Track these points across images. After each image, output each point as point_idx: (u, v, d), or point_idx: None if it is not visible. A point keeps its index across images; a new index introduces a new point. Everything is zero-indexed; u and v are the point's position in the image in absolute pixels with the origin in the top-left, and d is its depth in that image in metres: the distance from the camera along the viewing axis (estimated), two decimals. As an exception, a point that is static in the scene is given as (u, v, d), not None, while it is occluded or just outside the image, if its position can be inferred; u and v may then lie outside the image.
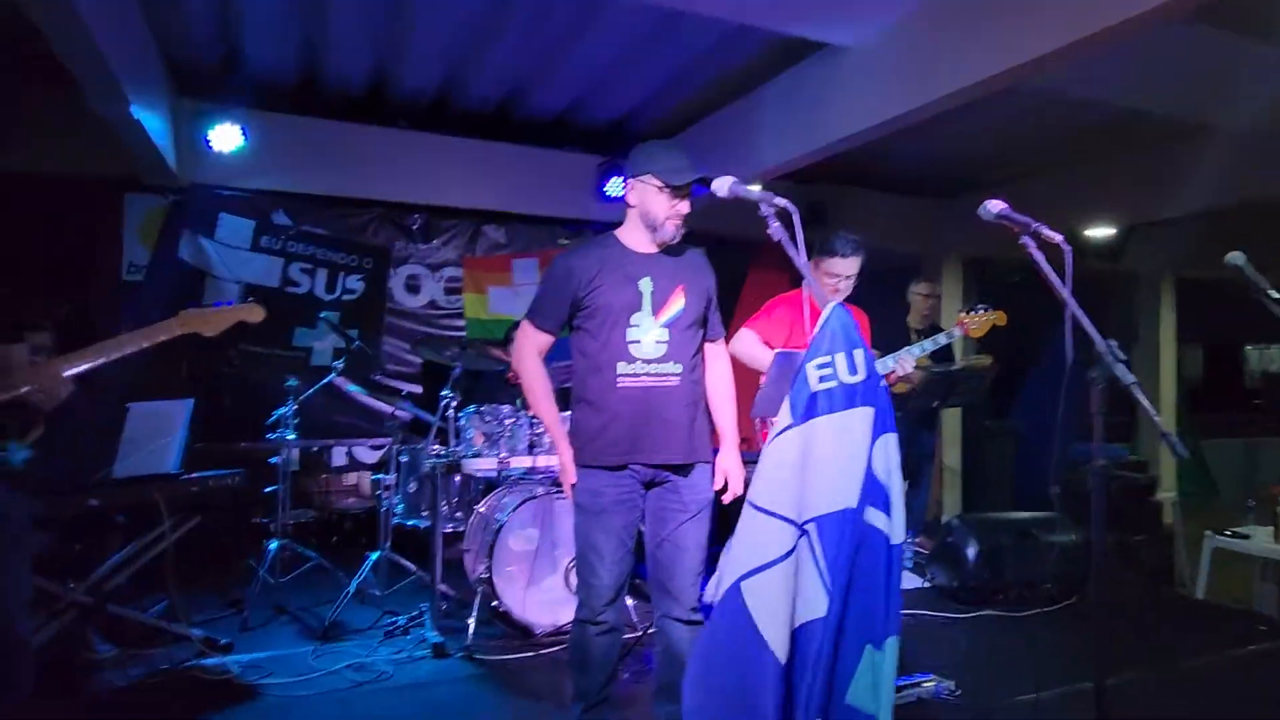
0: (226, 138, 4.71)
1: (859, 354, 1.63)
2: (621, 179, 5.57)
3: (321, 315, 4.63)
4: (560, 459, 2.28)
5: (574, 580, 3.51)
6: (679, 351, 2.23)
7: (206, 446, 3.73)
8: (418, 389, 5.30)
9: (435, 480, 3.70)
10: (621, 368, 2.18)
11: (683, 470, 2.26)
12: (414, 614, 3.63)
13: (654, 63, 4.69)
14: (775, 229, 1.85)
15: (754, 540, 1.60)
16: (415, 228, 5.58)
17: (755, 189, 1.90)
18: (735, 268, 6.67)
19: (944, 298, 6.93)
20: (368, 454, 5.32)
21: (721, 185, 1.97)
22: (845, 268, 3.13)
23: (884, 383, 1.67)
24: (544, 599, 3.48)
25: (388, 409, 4.43)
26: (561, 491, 3.58)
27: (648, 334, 2.19)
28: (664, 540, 2.25)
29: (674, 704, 2.28)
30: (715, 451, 2.37)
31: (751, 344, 3.22)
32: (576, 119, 5.62)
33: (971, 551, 3.88)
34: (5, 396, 1.85)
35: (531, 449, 3.79)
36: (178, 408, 3.08)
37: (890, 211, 6.80)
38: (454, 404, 3.64)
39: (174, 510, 3.00)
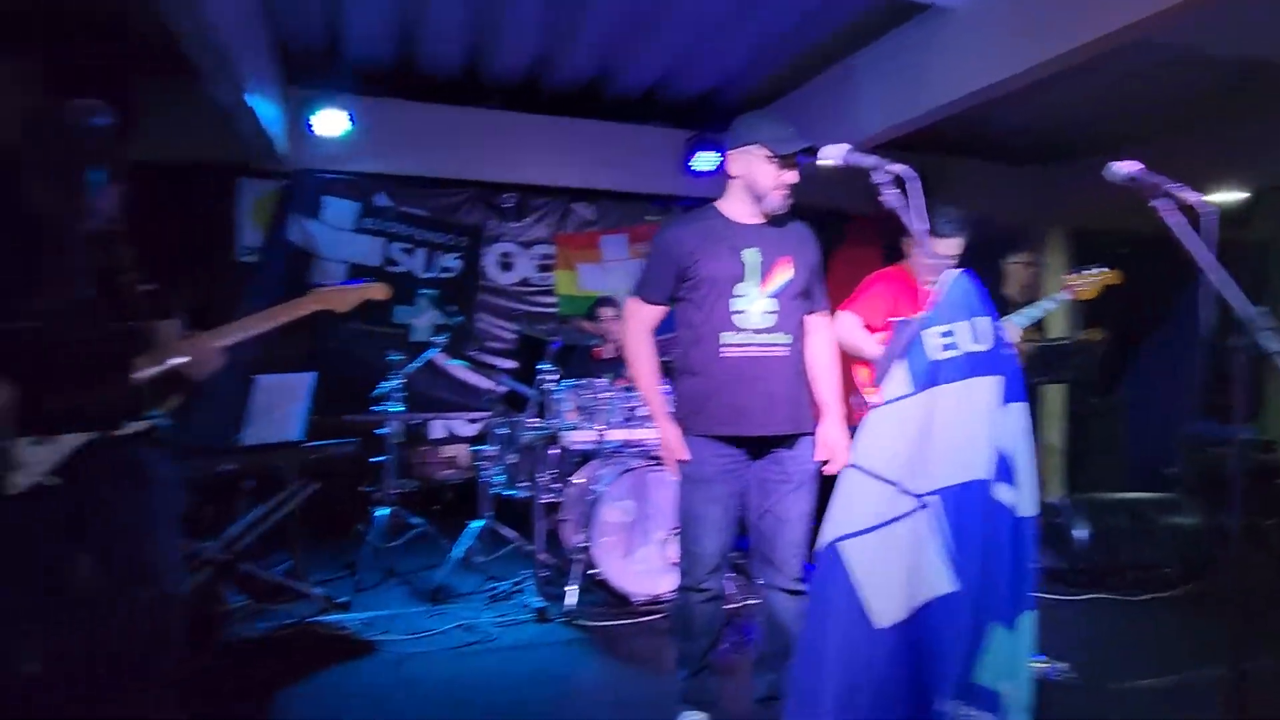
0: (330, 123, 4.91)
1: (983, 321, 1.59)
2: (713, 152, 5.60)
3: (422, 293, 4.80)
4: (663, 436, 2.28)
5: (670, 552, 3.58)
6: (787, 322, 2.22)
7: (316, 418, 3.95)
8: (511, 364, 5.44)
9: (536, 452, 3.81)
10: (726, 338, 2.19)
11: (787, 441, 2.25)
12: (516, 580, 3.76)
13: (744, 33, 4.62)
14: (890, 196, 1.81)
15: (858, 502, 1.58)
16: (507, 206, 5.69)
17: (869, 156, 1.86)
18: (823, 243, 6.52)
19: (1046, 270, 6.62)
20: (465, 427, 5.50)
21: (834, 153, 1.93)
22: (946, 248, 3.01)
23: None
24: (640, 569, 3.55)
25: (487, 384, 4.58)
26: (658, 464, 3.64)
27: (754, 304, 2.19)
28: (767, 511, 2.26)
29: (774, 673, 2.30)
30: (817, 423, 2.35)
31: (853, 328, 3.09)
32: (664, 94, 5.60)
33: (1082, 533, 3.73)
34: (163, 367, 2.00)
35: (626, 422, 3.84)
36: (300, 380, 3.27)
37: (990, 180, 6.52)
38: (553, 378, 3.72)
39: (298, 476, 3.20)
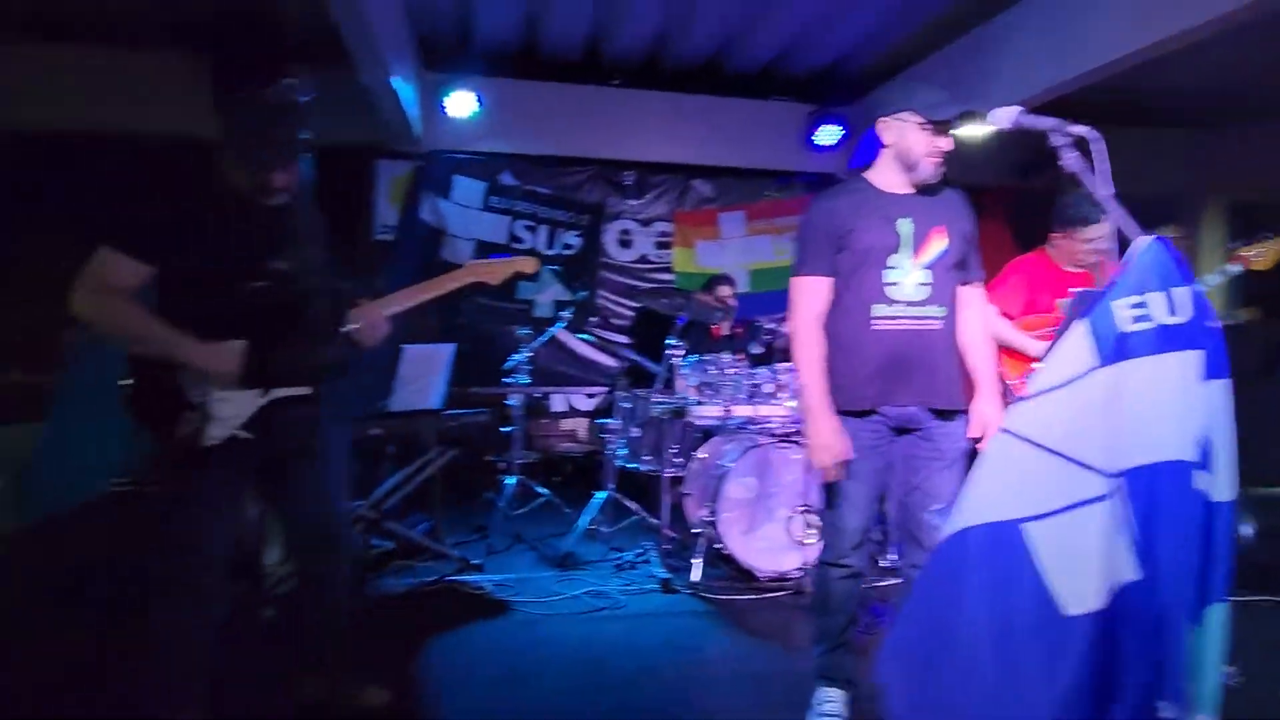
0: (461, 104, 5.09)
1: (1181, 292, 1.47)
2: (836, 126, 5.46)
3: (546, 269, 4.92)
4: (818, 433, 2.10)
5: (794, 529, 3.56)
6: (942, 294, 2.14)
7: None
8: (627, 340, 5.51)
9: (661, 427, 3.86)
10: (878, 310, 2.13)
11: (941, 416, 2.18)
12: (639, 551, 3.83)
13: (870, 3, 4.47)
14: (1071, 160, 1.70)
15: (1039, 481, 1.49)
16: (628, 184, 5.74)
17: (1046, 118, 1.75)
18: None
19: (1200, 246, 6.12)
20: (583, 401, 5.63)
21: (1005, 116, 1.82)
22: (1100, 231, 2.90)
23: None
24: (764, 545, 3.53)
25: (607, 359, 4.64)
26: (784, 441, 3.61)
27: (908, 276, 2.12)
28: (915, 488, 2.20)
29: (921, 655, 2.26)
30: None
31: (992, 318, 2.97)
32: (785, 68, 5.49)
33: (1247, 529, 3.44)
34: (341, 332, 2.13)
35: (751, 399, 3.82)
36: (443, 351, 3.42)
37: (1139, 148, 6.04)
38: (680, 353, 3.74)
39: (439, 442, 3.37)
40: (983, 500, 1.56)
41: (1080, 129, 1.69)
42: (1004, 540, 1.53)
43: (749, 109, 5.73)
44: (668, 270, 5.77)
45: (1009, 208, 5.89)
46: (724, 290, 4.37)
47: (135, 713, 1.99)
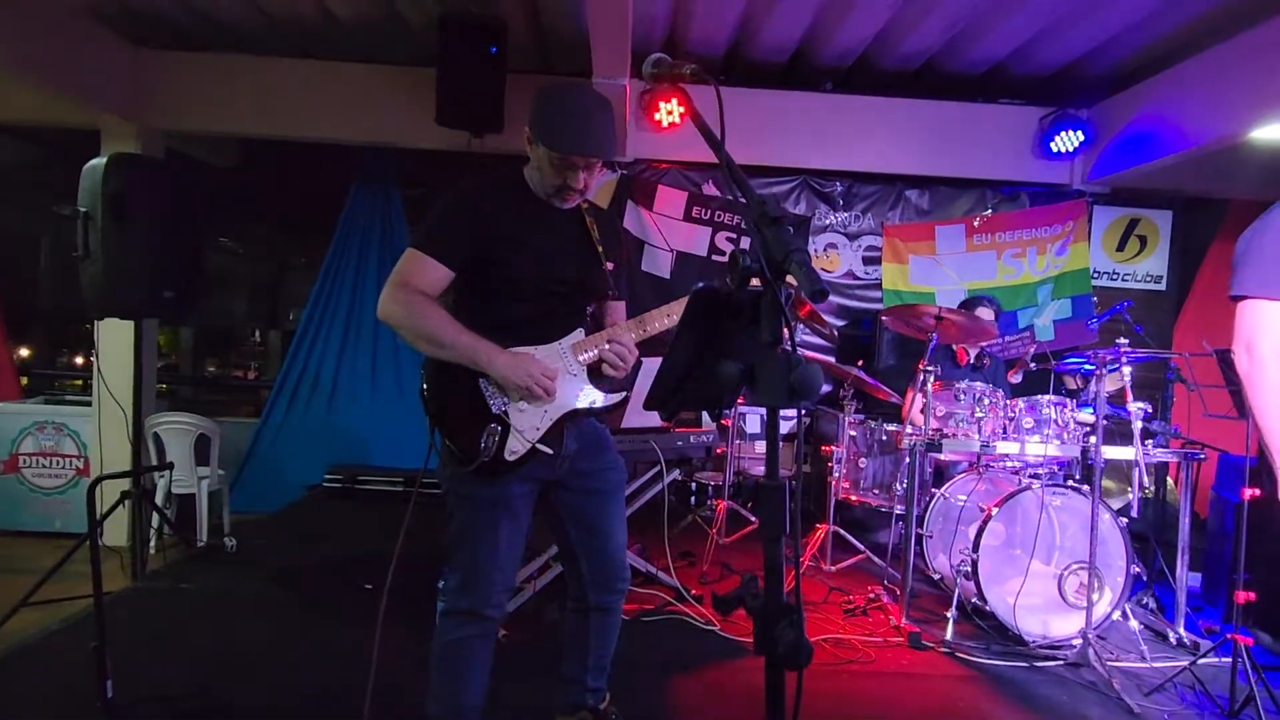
0: (667, 114, 4.94)
1: None
2: (1077, 131, 4.89)
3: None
4: None
5: (1069, 589, 3.09)
6: None
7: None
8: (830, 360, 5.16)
9: (897, 459, 3.49)
10: None
11: None
12: (871, 597, 3.47)
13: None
14: None
15: None
16: (835, 194, 5.40)
17: None
18: (1196, 234, 5.53)
19: None
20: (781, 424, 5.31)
21: None
22: None
23: None
24: (1030, 604, 3.09)
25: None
26: (1052, 484, 3.16)
27: None
28: None
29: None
30: None
31: None
32: (1016, 68, 4.98)
33: None
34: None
35: (1006, 434, 3.38)
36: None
37: None
38: (932, 379, 3.36)
39: (663, 462, 3.17)
40: None
41: None
42: None
43: (972, 113, 5.26)
44: (876, 288, 5.36)
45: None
46: (984, 312, 3.90)
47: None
